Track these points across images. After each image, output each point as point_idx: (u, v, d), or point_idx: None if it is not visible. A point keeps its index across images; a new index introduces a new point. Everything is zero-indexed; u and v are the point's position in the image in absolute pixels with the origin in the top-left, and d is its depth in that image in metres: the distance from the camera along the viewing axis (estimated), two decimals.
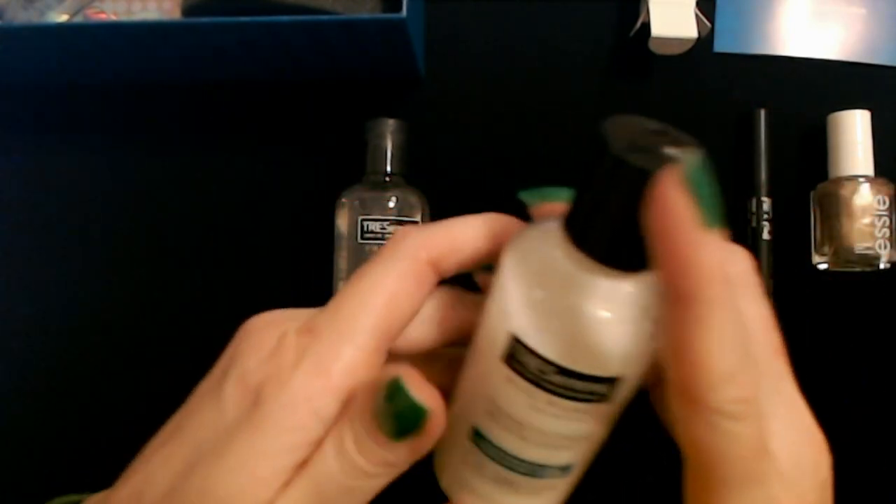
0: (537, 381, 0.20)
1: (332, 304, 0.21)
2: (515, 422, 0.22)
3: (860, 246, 0.39)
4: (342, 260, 0.41)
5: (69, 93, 0.46)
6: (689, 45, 0.42)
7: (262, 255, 0.46)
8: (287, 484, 0.21)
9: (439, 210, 0.42)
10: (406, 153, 0.41)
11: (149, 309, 0.46)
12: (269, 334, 0.21)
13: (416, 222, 0.40)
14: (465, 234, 0.22)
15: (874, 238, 0.39)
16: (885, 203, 0.40)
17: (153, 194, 0.46)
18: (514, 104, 0.45)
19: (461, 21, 0.45)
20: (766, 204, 0.42)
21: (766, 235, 0.42)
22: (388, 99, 0.46)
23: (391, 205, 0.40)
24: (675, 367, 0.18)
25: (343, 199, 0.41)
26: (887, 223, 0.40)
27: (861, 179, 0.40)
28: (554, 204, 0.22)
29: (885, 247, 0.39)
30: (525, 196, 0.24)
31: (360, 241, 0.39)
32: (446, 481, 0.25)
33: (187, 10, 0.40)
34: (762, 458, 0.19)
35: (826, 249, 0.41)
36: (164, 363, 0.45)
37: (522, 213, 0.41)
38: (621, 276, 0.19)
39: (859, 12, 0.44)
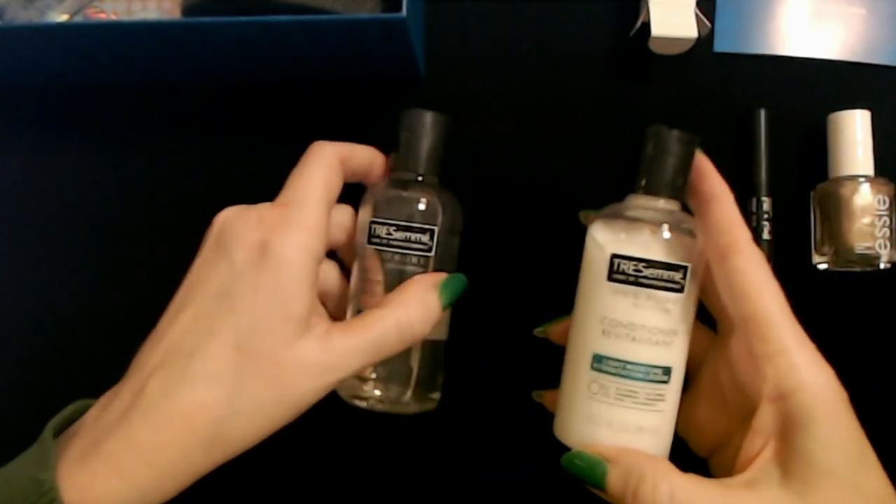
0: (636, 281, 0.32)
1: (288, 191, 0.33)
2: (625, 326, 0.32)
3: (860, 246, 0.39)
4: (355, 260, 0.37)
5: (69, 93, 0.46)
6: (689, 45, 0.42)
7: None
8: (307, 325, 0.30)
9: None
10: (443, 151, 0.37)
11: (152, 310, 0.46)
12: (247, 214, 0.32)
13: (433, 231, 0.36)
14: (359, 149, 0.36)
15: (874, 238, 0.39)
16: (885, 203, 0.40)
17: (154, 194, 0.46)
18: (514, 104, 0.45)
19: (461, 21, 0.45)
20: (766, 204, 0.42)
21: (766, 235, 0.42)
22: (388, 99, 0.46)
23: (421, 207, 0.35)
24: (716, 236, 0.33)
25: (367, 196, 0.37)
26: (887, 223, 0.40)
27: (861, 179, 0.40)
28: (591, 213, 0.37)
29: (885, 247, 0.39)
30: (585, 212, 0.40)
31: (367, 244, 0.36)
32: (576, 431, 0.33)
33: (187, 10, 0.40)
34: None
35: (826, 249, 0.41)
36: None
37: (507, 217, 0.41)
38: (673, 202, 0.34)
39: (859, 12, 0.44)
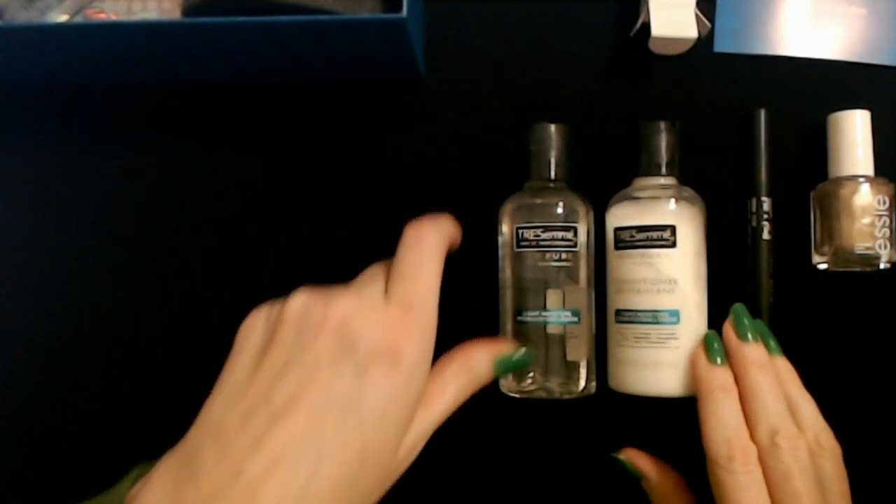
0: (632, 245, 0.38)
1: (407, 287, 0.31)
2: (628, 282, 0.38)
3: (860, 246, 0.39)
4: (506, 268, 0.40)
5: (69, 93, 0.46)
6: (689, 45, 0.42)
7: (260, 251, 0.46)
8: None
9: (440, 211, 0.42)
10: (570, 158, 0.40)
11: (151, 309, 0.46)
12: (369, 313, 0.30)
13: (575, 227, 0.39)
14: (453, 228, 0.35)
15: (874, 238, 0.39)
16: (885, 203, 0.40)
17: (154, 194, 0.46)
18: (514, 104, 0.45)
19: (461, 21, 0.45)
20: (766, 204, 0.42)
21: (766, 235, 0.42)
22: (389, 99, 0.46)
23: (559, 210, 0.39)
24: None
25: (506, 206, 0.40)
26: (887, 223, 0.40)
27: (861, 179, 0.40)
28: None
29: (885, 247, 0.39)
30: None
31: (516, 249, 0.39)
32: (612, 375, 0.40)
33: (187, 10, 0.40)
34: None
35: (826, 249, 0.41)
36: (172, 365, 0.45)
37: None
38: (660, 175, 0.40)
39: (859, 12, 0.45)
